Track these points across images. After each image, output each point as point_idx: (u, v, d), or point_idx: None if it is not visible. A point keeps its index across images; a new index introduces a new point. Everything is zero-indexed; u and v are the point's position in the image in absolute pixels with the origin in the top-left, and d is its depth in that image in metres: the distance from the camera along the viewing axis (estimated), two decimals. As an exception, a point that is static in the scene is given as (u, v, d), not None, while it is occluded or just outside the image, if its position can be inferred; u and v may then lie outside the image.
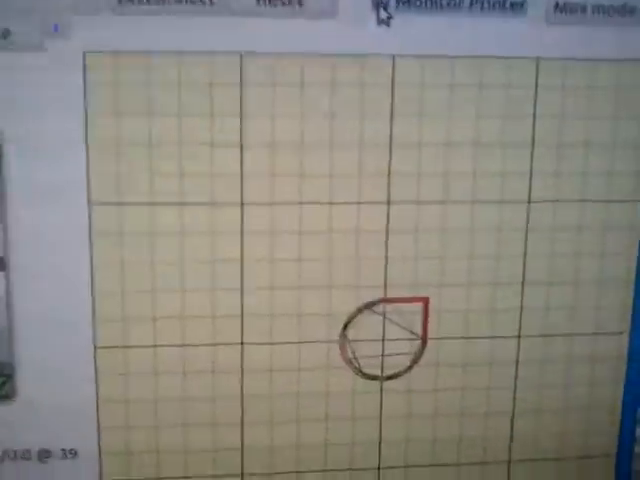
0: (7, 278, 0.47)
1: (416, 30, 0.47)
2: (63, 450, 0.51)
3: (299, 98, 0.47)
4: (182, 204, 0.48)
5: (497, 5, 0.47)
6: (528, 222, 0.51)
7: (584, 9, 0.48)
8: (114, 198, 0.47)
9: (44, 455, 0.51)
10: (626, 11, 0.48)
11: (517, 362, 0.53)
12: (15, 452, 0.50)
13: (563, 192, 0.51)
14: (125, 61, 0.45)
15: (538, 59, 0.48)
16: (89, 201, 0.47)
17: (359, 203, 0.49)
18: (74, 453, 0.51)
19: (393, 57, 0.47)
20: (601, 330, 0.54)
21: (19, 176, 0.46)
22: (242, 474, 0.53)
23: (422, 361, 0.52)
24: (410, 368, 0.52)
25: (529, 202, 0.50)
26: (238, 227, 0.48)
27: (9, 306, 0.48)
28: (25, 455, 0.51)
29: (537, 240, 0.51)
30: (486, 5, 0.47)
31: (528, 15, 0.47)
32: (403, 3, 0.46)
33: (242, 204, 0.48)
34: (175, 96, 0.46)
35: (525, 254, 0.51)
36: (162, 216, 0.48)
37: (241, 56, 0.46)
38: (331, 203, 0.49)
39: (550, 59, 0.48)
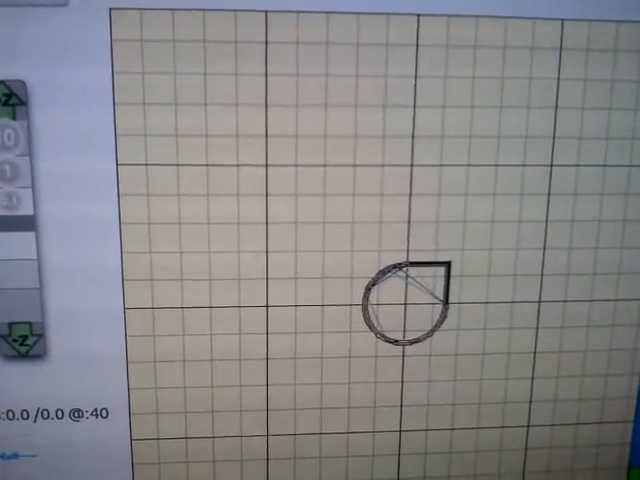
0: (37, 238, 0.43)
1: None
2: (95, 409, 0.47)
3: (323, 57, 0.42)
4: (207, 165, 0.43)
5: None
6: (550, 187, 0.46)
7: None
8: (141, 159, 0.43)
9: (76, 414, 0.48)
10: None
11: (537, 328, 0.48)
12: (48, 411, 0.46)
13: (585, 157, 0.46)
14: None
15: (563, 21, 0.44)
16: (117, 160, 0.43)
17: (383, 165, 0.44)
18: (105, 413, 0.47)
19: (418, 16, 0.43)
20: (620, 296, 0.49)
21: (46, 127, 0.43)
22: (267, 435, 0.48)
23: (444, 325, 0.48)
24: (432, 332, 0.48)
25: (551, 165, 0.45)
26: (263, 190, 0.44)
27: (40, 267, 0.44)
28: (58, 414, 0.47)
29: (559, 205, 0.46)
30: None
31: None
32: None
33: (267, 166, 0.44)
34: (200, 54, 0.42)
35: (547, 220, 0.46)
36: (187, 176, 0.44)
37: (266, 14, 0.42)
38: (355, 165, 0.44)
39: (574, 20, 0.44)
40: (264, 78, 0.43)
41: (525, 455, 0.51)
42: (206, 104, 0.43)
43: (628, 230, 0.48)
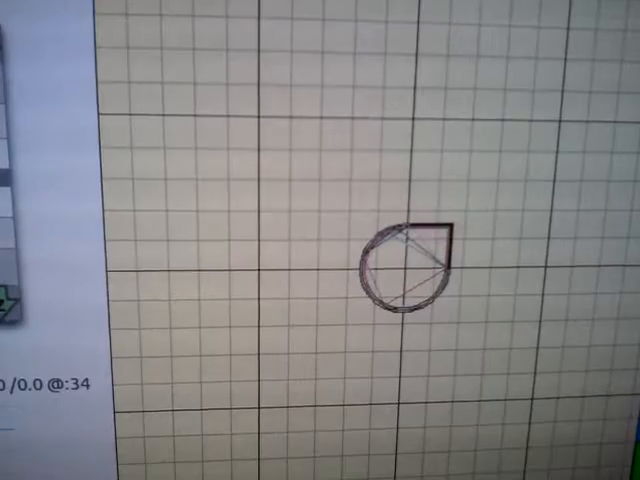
0: (13, 193, 0.40)
1: None
2: (75, 380, 0.44)
3: (320, 2, 0.40)
4: (195, 115, 0.40)
5: None
6: (559, 143, 0.43)
7: None
8: (124, 109, 0.40)
9: (55, 385, 0.44)
10: None
11: (543, 295, 0.46)
12: (25, 381, 0.43)
13: (595, 113, 0.43)
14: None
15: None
16: (98, 109, 0.40)
17: (382, 119, 0.41)
18: (86, 384, 0.44)
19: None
20: (630, 262, 0.46)
21: (23, 74, 0.39)
22: (259, 407, 0.46)
23: (445, 292, 0.45)
24: (433, 299, 0.45)
25: (560, 121, 0.43)
26: (255, 143, 0.41)
27: (16, 225, 0.40)
28: (36, 385, 0.44)
29: (568, 163, 0.43)
30: None
31: None
32: None
33: (259, 117, 0.40)
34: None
35: (555, 179, 0.44)
36: (174, 127, 0.40)
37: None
38: (353, 118, 0.41)
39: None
40: (256, 21, 0.40)
41: (529, 429, 0.49)
42: (194, 49, 0.40)
43: (639, 191, 0.45)
